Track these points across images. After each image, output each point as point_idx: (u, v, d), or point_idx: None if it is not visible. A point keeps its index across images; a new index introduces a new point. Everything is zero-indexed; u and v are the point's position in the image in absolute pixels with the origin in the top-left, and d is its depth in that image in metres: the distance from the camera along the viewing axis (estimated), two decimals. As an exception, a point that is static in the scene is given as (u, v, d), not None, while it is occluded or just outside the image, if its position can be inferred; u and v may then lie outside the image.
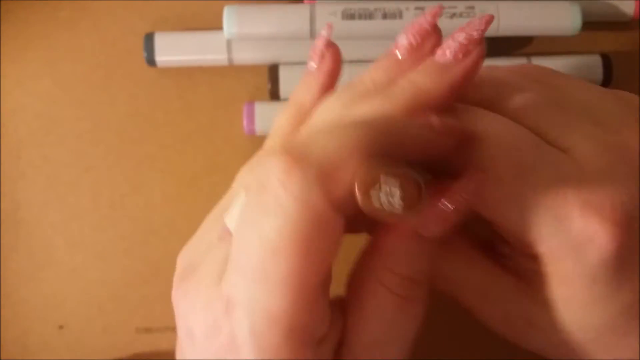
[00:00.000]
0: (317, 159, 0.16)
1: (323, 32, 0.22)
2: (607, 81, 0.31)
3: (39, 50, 0.32)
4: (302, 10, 0.30)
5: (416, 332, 0.20)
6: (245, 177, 0.21)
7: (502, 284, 0.20)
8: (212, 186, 0.32)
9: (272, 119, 0.31)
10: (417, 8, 0.30)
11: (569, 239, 0.18)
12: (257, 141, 0.32)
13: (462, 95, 0.20)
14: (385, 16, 0.29)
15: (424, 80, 0.19)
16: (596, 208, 0.18)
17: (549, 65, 0.31)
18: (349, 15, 0.29)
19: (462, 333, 0.31)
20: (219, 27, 0.30)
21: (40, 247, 0.31)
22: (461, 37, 0.19)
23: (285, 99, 0.31)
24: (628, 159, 0.19)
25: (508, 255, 0.20)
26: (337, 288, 0.21)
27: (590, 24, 0.31)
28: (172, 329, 0.31)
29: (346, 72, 0.30)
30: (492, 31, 0.30)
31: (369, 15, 0.29)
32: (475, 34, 0.19)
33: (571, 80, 0.22)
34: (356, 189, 0.16)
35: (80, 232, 0.31)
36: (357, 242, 0.21)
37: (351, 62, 0.31)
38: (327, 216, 0.16)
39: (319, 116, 0.20)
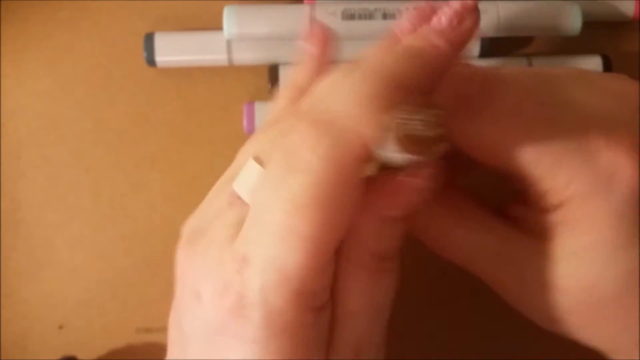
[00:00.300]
0: (337, 116, 0.17)
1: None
2: (607, 81, 0.31)
3: (39, 50, 0.32)
4: (302, 10, 0.30)
5: (391, 302, 0.21)
6: (251, 148, 0.22)
7: (518, 246, 0.20)
8: (212, 186, 0.32)
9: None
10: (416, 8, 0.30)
11: (597, 175, 0.18)
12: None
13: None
14: (385, 16, 0.29)
15: (421, 44, 0.19)
16: (619, 142, 0.18)
17: (548, 65, 0.31)
18: (349, 16, 0.29)
19: (463, 333, 0.31)
20: (218, 27, 0.30)
21: (40, 246, 0.31)
22: (456, 4, 0.20)
23: (285, 99, 0.31)
24: (630, 103, 0.20)
25: (522, 218, 0.21)
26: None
27: (591, 24, 0.31)
28: (172, 329, 0.31)
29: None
30: (491, 31, 0.30)
31: (369, 16, 0.29)
32: (469, 1, 0.19)
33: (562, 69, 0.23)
34: (386, 131, 0.16)
35: (80, 232, 0.31)
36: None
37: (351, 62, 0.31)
38: (351, 174, 0.17)
39: (322, 86, 0.20)
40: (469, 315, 0.31)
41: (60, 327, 0.31)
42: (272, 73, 0.31)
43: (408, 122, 0.16)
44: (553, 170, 0.19)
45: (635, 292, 0.19)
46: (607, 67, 0.31)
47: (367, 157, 0.17)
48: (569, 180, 0.19)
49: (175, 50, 0.31)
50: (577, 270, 0.19)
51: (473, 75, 0.19)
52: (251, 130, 0.31)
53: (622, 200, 0.18)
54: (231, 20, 0.29)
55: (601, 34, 0.32)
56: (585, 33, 0.30)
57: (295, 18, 0.30)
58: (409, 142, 0.16)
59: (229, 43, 0.31)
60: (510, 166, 0.20)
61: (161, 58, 0.31)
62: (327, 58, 0.24)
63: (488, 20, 0.30)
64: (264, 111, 0.31)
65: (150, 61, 0.31)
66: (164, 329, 0.31)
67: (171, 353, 0.21)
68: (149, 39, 0.31)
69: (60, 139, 0.32)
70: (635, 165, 0.18)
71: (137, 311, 0.31)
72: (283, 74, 0.31)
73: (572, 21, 0.30)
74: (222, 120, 0.32)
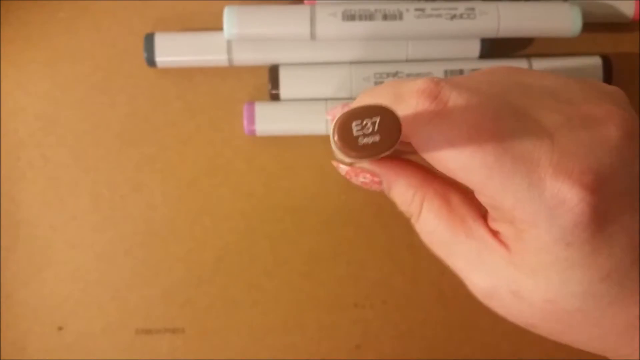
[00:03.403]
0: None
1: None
2: (608, 82, 0.31)
3: (39, 51, 0.32)
4: (303, 10, 0.30)
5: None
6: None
7: (493, 253, 0.21)
8: (212, 187, 0.32)
9: (272, 120, 0.31)
10: (417, 9, 0.30)
11: (542, 204, 0.19)
12: (257, 142, 0.32)
13: None
14: (385, 17, 0.30)
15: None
16: (567, 172, 0.18)
17: (548, 66, 0.31)
18: (349, 16, 0.29)
19: (463, 333, 0.31)
20: (219, 27, 0.30)
21: (40, 248, 0.31)
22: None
23: (285, 100, 0.31)
24: (593, 127, 0.19)
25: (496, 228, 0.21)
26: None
27: (591, 25, 0.31)
28: (172, 330, 0.31)
29: (346, 73, 0.31)
30: (492, 32, 0.30)
31: (369, 17, 0.30)
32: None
33: (535, 72, 0.23)
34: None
35: (80, 232, 0.31)
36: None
37: (351, 62, 0.31)
38: None
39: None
40: (469, 315, 0.31)
41: (60, 328, 0.31)
42: (272, 74, 0.31)
43: (348, 129, 0.18)
44: (499, 192, 0.19)
45: (599, 308, 0.19)
46: (607, 68, 0.31)
47: None
48: (513, 206, 0.19)
49: (175, 50, 0.31)
50: (537, 286, 0.20)
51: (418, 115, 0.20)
52: (251, 131, 0.31)
53: (567, 228, 0.19)
54: (231, 20, 0.29)
55: (601, 35, 0.32)
56: (586, 34, 0.31)
57: (295, 18, 0.30)
58: (346, 147, 0.18)
59: (229, 43, 0.31)
60: (461, 179, 0.20)
61: (161, 58, 0.31)
62: None
63: (488, 22, 0.30)
64: (264, 112, 0.31)
65: (150, 61, 0.31)
66: (164, 330, 0.32)
67: None
68: (149, 39, 0.31)
69: (60, 140, 0.32)
70: (583, 194, 0.18)
71: (137, 312, 0.31)
72: (283, 74, 0.31)
73: (573, 23, 0.30)
74: (222, 121, 0.32)
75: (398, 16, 0.30)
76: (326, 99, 0.31)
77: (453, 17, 0.30)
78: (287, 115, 0.31)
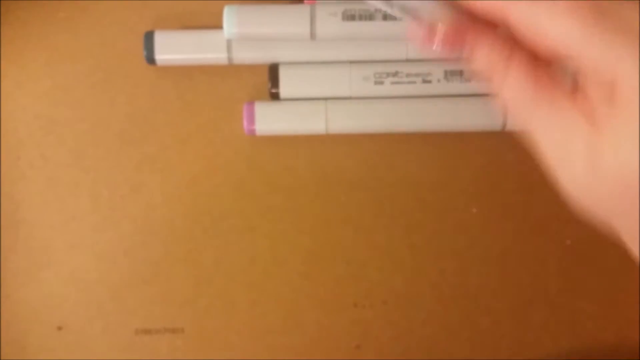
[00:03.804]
0: None
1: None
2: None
3: (39, 50, 0.32)
4: (303, 10, 0.30)
5: None
6: None
7: (575, 121, 0.21)
8: (212, 187, 0.32)
9: (272, 119, 0.31)
10: None
11: None
12: (257, 141, 0.32)
13: None
14: (385, 17, 0.30)
15: None
16: None
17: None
18: (349, 17, 0.29)
19: (462, 334, 0.31)
20: (219, 26, 0.30)
21: (40, 247, 0.31)
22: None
23: (285, 99, 0.31)
24: None
25: (580, 102, 0.21)
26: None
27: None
28: (172, 330, 0.31)
29: (346, 72, 0.31)
30: None
31: (369, 17, 0.29)
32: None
33: None
34: None
35: (80, 232, 0.31)
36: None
37: (351, 62, 0.31)
38: None
39: None
40: (469, 315, 0.31)
41: (59, 328, 0.31)
42: (272, 72, 0.31)
43: None
44: (599, 56, 0.19)
45: None
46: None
47: None
48: (612, 70, 0.19)
49: (175, 48, 0.31)
50: (618, 156, 0.20)
51: None
52: (251, 131, 0.31)
53: None
54: (231, 20, 0.29)
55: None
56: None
57: (295, 18, 0.30)
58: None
59: (229, 42, 0.31)
60: (560, 45, 0.20)
61: (161, 56, 0.31)
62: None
63: None
64: (264, 111, 0.31)
65: (150, 59, 0.31)
66: (163, 330, 0.32)
67: None
68: (148, 37, 0.31)
69: (59, 140, 0.32)
70: None
71: (137, 312, 0.31)
72: (283, 73, 0.31)
73: None
74: (222, 120, 0.32)
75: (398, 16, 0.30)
76: (326, 98, 0.31)
77: None
78: (287, 115, 0.31)
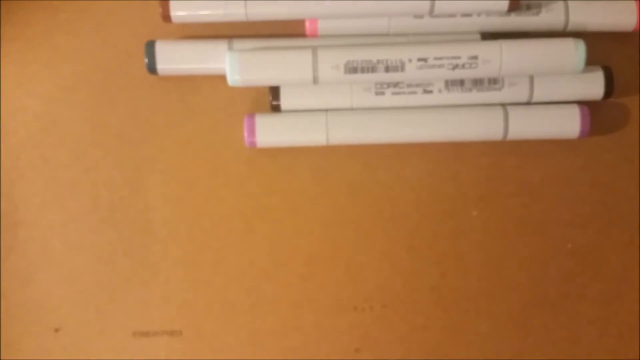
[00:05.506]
0: None
1: None
2: (609, 93, 0.31)
3: (39, 51, 0.32)
4: (305, 57, 0.29)
5: None
6: None
7: None
8: (212, 189, 0.32)
9: (273, 132, 0.30)
10: (419, 59, 0.29)
11: None
12: (257, 151, 0.32)
13: None
14: (387, 69, 0.29)
15: None
16: None
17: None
18: (351, 69, 0.29)
19: (461, 337, 0.31)
20: (221, 34, 0.30)
21: (38, 248, 0.31)
22: None
23: (287, 111, 0.31)
24: None
25: None
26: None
27: (592, 36, 0.31)
28: (170, 332, 0.31)
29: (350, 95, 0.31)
30: (494, 72, 0.30)
31: (371, 69, 0.29)
32: None
33: None
34: None
35: (79, 234, 0.31)
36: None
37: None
38: None
39: None
40: (469, 319, 0.31)
41: (56, 330, 0.31)
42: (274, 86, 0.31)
43: None
44: None
45: None
46: (609, 79, 0.31)
47: None
48: None
49: (176, 58, 0.31)
50: None
51: None
52: (252, 143, 0.30)
53: None
54: (234, 67, 0.29)
55: (602, 46, 0.32)
56: (587, 45, 0.30)
57: (298, 65, 0.29)
58: None
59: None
60: None
61: (163, 66, 0.31)
62: None
63: (491, 68, 0.29)
64: (265, 124, 0.30)
65: (152, 69, 0.31)
66: (162, 333, 0.31)
67: None
68: (150, 47, 0.31)
69: (59, 141, 0.32)
70: None
71: (135, 314, 0.31)
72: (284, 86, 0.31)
73: (577, 60, 0.30)
74: (223, 126, 0.32)
75: (400, 68, 0.29)
76: (327, 110, 0.31)
77: (455, 67, 0.29)
78: (287, 127, 0.31)
